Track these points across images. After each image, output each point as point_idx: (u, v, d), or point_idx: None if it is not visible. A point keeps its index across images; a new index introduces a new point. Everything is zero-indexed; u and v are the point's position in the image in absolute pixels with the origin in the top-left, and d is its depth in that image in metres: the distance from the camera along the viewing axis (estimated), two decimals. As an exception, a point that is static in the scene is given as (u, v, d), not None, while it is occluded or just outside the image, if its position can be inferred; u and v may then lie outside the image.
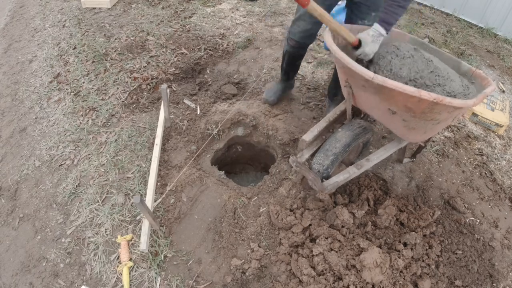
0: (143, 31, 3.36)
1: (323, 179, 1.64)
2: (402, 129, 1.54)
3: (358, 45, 1.51)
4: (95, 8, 3.85)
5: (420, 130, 1.50)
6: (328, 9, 1.92)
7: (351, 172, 1.64)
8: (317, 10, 1.42)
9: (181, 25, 3.51)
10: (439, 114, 1.34)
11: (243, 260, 1.67)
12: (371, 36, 1.47)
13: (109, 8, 3.82)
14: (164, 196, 1.89)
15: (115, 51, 3.07)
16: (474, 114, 2.55)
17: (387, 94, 1.33)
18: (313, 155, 1.77)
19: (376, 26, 1.48)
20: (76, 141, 2.30)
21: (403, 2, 1.44)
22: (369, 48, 1.49)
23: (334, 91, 2.33)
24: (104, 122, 2.42)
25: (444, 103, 1.22)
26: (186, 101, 2.58)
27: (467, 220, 1.90)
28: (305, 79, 2.83)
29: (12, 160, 2.26)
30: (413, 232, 1.73)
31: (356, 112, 1.90)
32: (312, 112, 2.50)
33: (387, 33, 1.48)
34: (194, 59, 2.98)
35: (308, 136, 1.74)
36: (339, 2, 2.22)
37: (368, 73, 1.28)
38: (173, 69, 2.88)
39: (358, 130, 1.68)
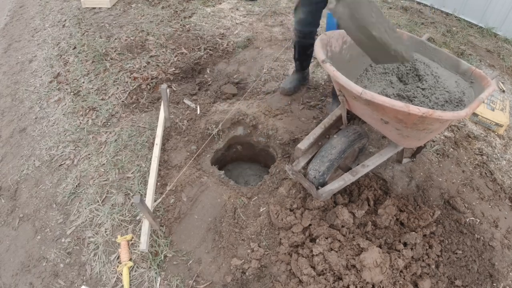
0: (143, 31, 3.36)
1: (319, 187, 1.64)
2: (396, 136, 1.55)
3: None
4: (95, 8, 3.85)
5: (414, 138, 1.51)
6: (318, 8, 2.01)
7: (346, 179, 1.64)
8: None
9: (181, 25, 3.51)
10: (431, 125, 1.34)
11: (243, 260, 1.67)
12: None
13: (109, 8, 3.82)
14: (164, 196, 1.89)
15: (115, 51, 3.07)
16: (474, 114, 2.55)
17: (377, 106, 1.33)
18: (309, 162, 1.77)
19: None
20: (76, 141, 2.30)
21: None
22: None
23: None
24: (104, 122, 2.42)
25: (433, 117, 1.20)
26: (186, 101, 2.58)
27: (467, 220, 1.89)
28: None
29: (12, 160, 2.26)
30: (413, 232, 1.73)
31: (352, 116, 1.90)
32: (312, 112, 2.49)
33: None
34: (194, 59, 2.98)
35: (303, 144, 1.74)
36: None
37: (357, 89, 1.27)
38: (173, 69, 2.87)
39: (353, 136, 1.69)
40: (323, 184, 1.65)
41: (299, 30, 2.18)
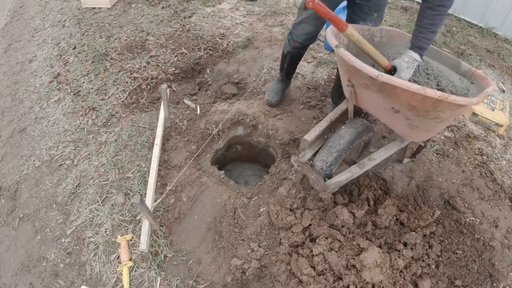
0: (143, 31, 3.36)
1: (325, 179, 1.63)
2: (405, 127, 1.55)
3: (391, 70, 1.51)
4: (95, 8, 3.85)
5: (423, 128, 1.51)
6: (333, 8, 1.92)
7: (353, 172, 1.64)
8: (354, 35, 1.44)
9: (181, 25, 3.51)
10: (443, 112, 1.34)
11: (243, 260, 1.67)
12: (406, 63, 1.48)
13: (109, 8, 3.82)
14: (164, 196, 1.89)
15: (115, 51, 3.07)
16: (474, 114, 2.55)
17: (390, 92, 1.34)
18: (314, 155, 1.77)
19: (410, 52, 1.49)
20: (76, 141, 2.30)
21: (434, 27, 1.46)
22: (405, 74, 1.49)
23: (338, 94, 2.33)
24: (104, 122, 2.42)
25: (448, 101, 1.22)
26: (186, 101, 2.58)
27: (467, 220, 1.90)
28: (305, 79, 2.83)
29: (12, 160, 2.26)
30: (413, 232, 1.73)
31: (357, 112, 1.90)
32: (312, 111, 2.49)
33: (421, 58, 1.50)
34: (194, 59, 2.98)
35: (310, 136, 1.74)
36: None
37: (373, 71, 1.29)
38: (173, 69, 2.87)
39: (361, 127, 1.69)
40: (329, 177, 1.65)
41: (300, 42, 2.07)
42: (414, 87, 1.23)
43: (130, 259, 1.67)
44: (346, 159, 1.91)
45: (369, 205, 1.87)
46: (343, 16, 2.04)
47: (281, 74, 2.45)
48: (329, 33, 1.54)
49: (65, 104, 2.60)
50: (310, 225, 1.74)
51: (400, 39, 1.86)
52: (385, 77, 1.27)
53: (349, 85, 1.58)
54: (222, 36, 3.36)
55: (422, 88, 1.22)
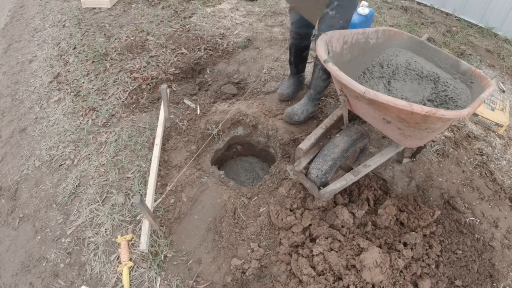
0: (143, 31, 3.36)
1: (320, 187, 1.63)
2: (398, 136, 1.55)
3: None
4: (95, 8, 3.85)
5: (416, 137, 1.51)
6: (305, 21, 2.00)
7: (348, 179, 1.64)
8: None
9: (181, 25, 3.51)
10: (434, 124, 1.34)
11: (243, 260, 1.67)
12: None
13: (109, 8, 3.82)
14: (164, 196, 1.89)
15: (115, 51, 3.07)
16: (474, 114, 2.55)
17: (380, 105, 1.33)
18: (310, 162, 1.76)
19: None
20: (76, 141, 2.30)
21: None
22: None
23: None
24: (104, 122, 2.42)
25: (437, 116, 1.21)
26: (186, 101, 2.58)
27: (467, 220, 1.90)
28: (305, 78, 2.83)
29: (12, 160, 2.26)
30: (413, 232, 1.73)
31: (353, 116, 1.89)
32: (312, 112, 2.49)
33: None
34: (194, 59, 2.98)
35: (305, 144, 1.74)
36: None
37: (359, 88, 1.28)
38: (173, 69, 2.88)
39: (355, 135, 1.69)
40: (325, 184, 1.65)
41: (295, 32, 2.13)
42: (401, 103, 1.21)
43: (130, 259, 1.67)
44: (342, 165, 1.91)
45: (369, 205, 1.87)
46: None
47: (291, 68, 2.50)
48: (319, 45, 1.52)
49: (65, 104, 2.60)
50: (310, 225, 1.74)
51: (397, 39, 1.86)
52: (371, 94, 1.25)
53: (342, 94, 1.57)
54: (222, 36, 3.36)
55: (409, 104, 1.20)
